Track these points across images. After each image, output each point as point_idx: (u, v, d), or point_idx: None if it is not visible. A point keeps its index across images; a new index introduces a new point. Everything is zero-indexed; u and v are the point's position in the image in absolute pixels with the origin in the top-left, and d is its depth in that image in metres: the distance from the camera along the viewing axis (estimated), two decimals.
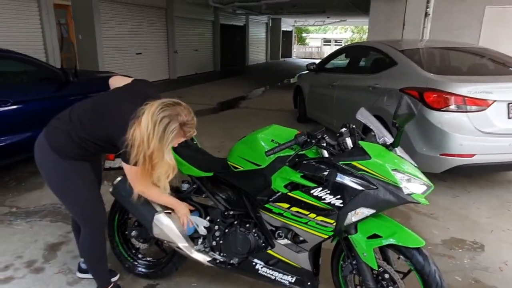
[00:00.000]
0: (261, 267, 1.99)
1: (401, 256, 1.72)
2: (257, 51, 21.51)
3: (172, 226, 2.02)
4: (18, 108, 3.70)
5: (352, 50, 5.90)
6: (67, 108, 1.91)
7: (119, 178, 2.12)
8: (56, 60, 7.99)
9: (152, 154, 1.62)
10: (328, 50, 30.04)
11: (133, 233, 2.28)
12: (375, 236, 1.71)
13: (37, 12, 7.91)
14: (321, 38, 38.83)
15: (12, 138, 3.66)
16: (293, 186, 1.79)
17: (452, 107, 3.38)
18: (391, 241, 1.68)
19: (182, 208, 2.00)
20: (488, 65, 4.34)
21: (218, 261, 2.09)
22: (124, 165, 1.76)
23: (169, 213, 2.04)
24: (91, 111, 1.81)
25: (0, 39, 6.99)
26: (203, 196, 2.18)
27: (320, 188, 1.70)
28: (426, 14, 7.35)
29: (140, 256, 2.43)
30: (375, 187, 1.64)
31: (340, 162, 1.70)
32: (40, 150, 1.86)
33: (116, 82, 2.03)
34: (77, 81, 4.29)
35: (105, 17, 9.47)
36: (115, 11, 9.93)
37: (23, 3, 7.63)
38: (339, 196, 1.67)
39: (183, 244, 2.06)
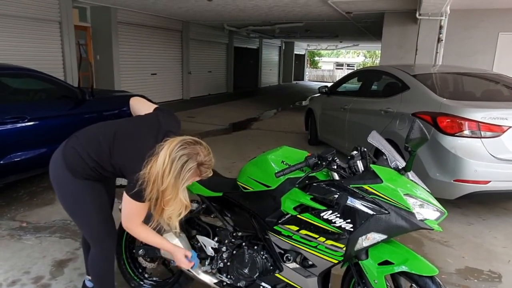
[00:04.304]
0: None
1: (413, 285, 1.66)
2: (270, 73, 21.78)
3: (179, 246, 2.00)
4: (34, 125, 3.79)
5: (364, 74, 5.94)
6: (87, 128, 1.90)
7: None
8: (74, 79, 8.21)
9: (166, 190, 1.59)
10: (340, 74, 30.25)
11: (141, 251, 2.27)
12: (386, 262, 1.67)
13: (58, 33, 8.21)
14: (334, 62, 39.19)
15: (28, 154, 3.74)
16: (303, 208, 1.77)
17: (466, 132, 3.34)
18: (404, 268, 1.62)
19: (178, 252, 1.89)
20: (503, 91, 4.30)
21: (225, 283, 2.05)
22: (127, 199, 1.70)
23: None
24: (113, 139, 1.78)
25: (23, 58, 7.25)
26: (212, 216, 2.17)
27: (330, 211, 1.67)
28: (439, 40, 7.38)
29: (146, 275, 2.40)
30: (386, 211, 1.61)
31: (351, 185, 1.67)
32: (54, 166, 1.87)
33: (138, 107, 2.02)
34: (93, 99, 4.41)
35: (122, 38, 9.78)
36: (133, 33, 10.24)
37: (46, 25, 7.94)
38: (349, 220, 1.64)
39: None
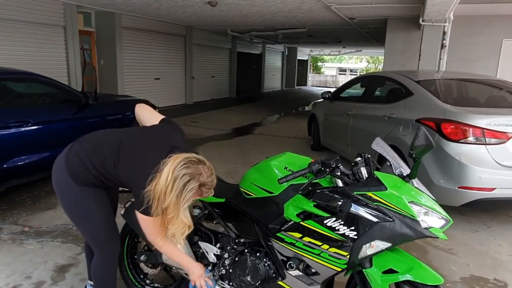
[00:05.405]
0: None
1: None
2: (273, 78, 21.82)
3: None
4: (38, 129, 3.80)
5: (367, 80, 5.93)
6: (92, 134, 1.89)
7: (131, 201, 2.12)
8: (78, 84, 8.25)
9: (168, 208, 1.59)
10: (343, 79, 30.27)
11: (142, 257, 2.25)
12: (391, 271, 1.65)
13: (63, 37, 8.27)
14: (337, 68, 39.23)
15: (31, 158, 3.74)
16: (306, 215, 1.75)
17: (471, 139, 3.32)
18: (408, 277, 1.60)
19: (197, 269, 1.90)
20: (507, 98, 4.27)
21: None
22: (140, 216, 1.71)
23: None
24: (117, 151, 1.76)
25: (27, 62, 7.30)
26: (214, 222, 2.16)
27: (334, 219, 1.66)
28: (442, 46, 7.37)
29: (148, 281, 2.39)
30: (391, 219, 1.59)
31: (354, 192, 1.66)
32: (57, 172, 1.85)
33: (144, 117, 1.98)
34: (97, 104, 4.42)
35: (126, 43, 9.83)
36: (136, 38, 10.30)
37: (51, 29, 8.00)
38: (353, 228, 1.62)
39: None
